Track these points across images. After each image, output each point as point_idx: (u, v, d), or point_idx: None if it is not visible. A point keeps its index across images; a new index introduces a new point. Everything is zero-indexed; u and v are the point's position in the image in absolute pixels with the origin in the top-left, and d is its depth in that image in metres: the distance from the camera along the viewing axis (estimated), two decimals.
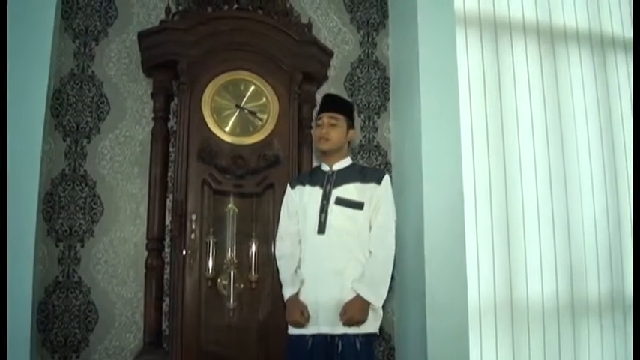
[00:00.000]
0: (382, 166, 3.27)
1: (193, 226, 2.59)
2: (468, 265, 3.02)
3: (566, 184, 3.38)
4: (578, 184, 3.41)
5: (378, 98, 3.34)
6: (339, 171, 2.37)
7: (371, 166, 3.07)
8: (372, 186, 2.33)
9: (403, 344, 3.05)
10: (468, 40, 3.31)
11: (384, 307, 3.09)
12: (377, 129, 3.30)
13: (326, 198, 2.31)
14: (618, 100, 3.65)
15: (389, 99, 3.35)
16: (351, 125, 2.42)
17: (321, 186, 2.34)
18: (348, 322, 2.22)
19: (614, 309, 3.39)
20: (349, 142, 2.47)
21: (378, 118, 3.32)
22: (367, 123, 3.30)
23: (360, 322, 2.24)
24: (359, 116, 3.28)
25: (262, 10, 2.88)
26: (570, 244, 3.33)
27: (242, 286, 2.75)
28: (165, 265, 2.80)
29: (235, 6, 2.86)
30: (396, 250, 3.17)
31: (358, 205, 2.30)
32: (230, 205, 2.78)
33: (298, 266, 2.36)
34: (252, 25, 2.79)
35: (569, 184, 3.39)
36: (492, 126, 3.29)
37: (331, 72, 3.22)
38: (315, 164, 2.89)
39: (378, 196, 2.32)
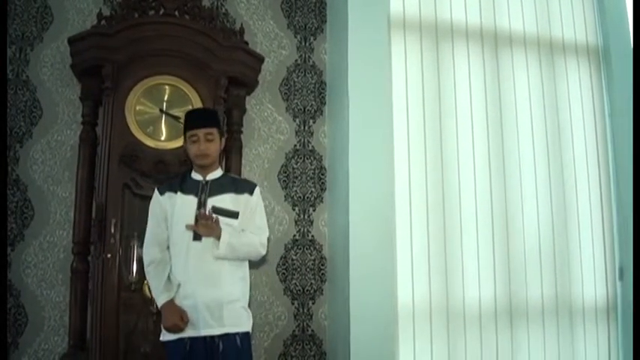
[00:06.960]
0: (317, 171, 3.29)
1: (112, 231, 2.60)
2: (402, 269, 3.02)
3: (506, 188, 3.36)
4: (519, 188, 3.38)
5: (314, 103, 3.35)
6: (212, 181, 2.40)
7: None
8: (245, 197, 2.39)
9: (333, 349, 3.04)
10: (406, 45, 3.31)
11: (316, 311, 3.14)
12: (312, 133, 3.31)
13: (202, 206, 2.33)
14: (567, 104, 3.61)
15: (325, 103, 3.36)
16: (222, 134, 2.44)
17: (196, 194, 2.36)
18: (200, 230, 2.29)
19: (558, 313, 3.36)
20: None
21: (314, 122, 3.33)
22: (302, 127, 3.31)
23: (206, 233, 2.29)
24: (294, 120, 3.29)
25: (189, 15, 2.90)
26: (509, 247, 3.30)
27: None
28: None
29: (162, 11, 2.88)
30: (326, 254, 3.20)
31: (234, 214, 2.35)
32: None
33: (170, 272, 2.36)
34: (177, 31, 2.81)
35: (509, 188, 3.36)
36: (430, 130, 3.27)
37: (266, 77, 3.24)
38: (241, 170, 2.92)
39: (252, 206, 2.40)
